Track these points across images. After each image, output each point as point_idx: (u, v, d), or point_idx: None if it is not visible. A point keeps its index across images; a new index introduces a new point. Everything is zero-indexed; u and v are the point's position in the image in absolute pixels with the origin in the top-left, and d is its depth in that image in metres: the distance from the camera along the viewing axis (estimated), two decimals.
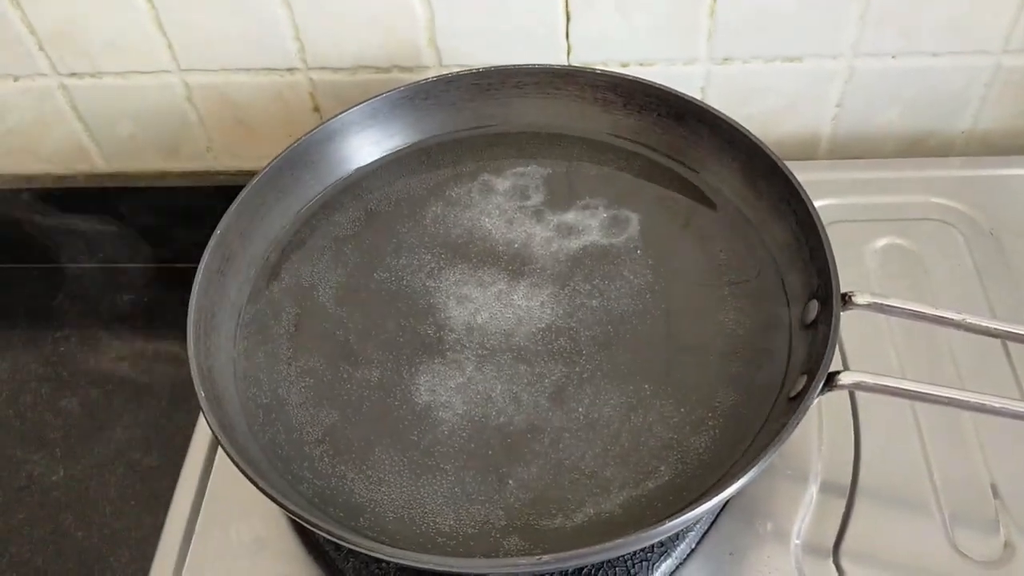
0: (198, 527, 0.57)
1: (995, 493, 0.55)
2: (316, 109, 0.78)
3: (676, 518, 0.42)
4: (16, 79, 0.77)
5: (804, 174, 0.59)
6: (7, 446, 0.73)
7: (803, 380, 0.50)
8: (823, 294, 0.52)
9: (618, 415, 0.52)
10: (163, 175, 0.84)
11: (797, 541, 0.54)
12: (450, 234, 0.62)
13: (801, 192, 0.57)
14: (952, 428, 0.58)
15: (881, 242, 0.69)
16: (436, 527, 0.48)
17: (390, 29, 0.72)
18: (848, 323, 0.60)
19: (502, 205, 0.64)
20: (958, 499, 0.55)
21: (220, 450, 0.59)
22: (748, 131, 0.61)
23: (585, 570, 0.51)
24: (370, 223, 0.63)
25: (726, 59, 0.74)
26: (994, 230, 0.70)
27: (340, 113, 0.64)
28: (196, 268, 0.54)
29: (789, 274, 0.57)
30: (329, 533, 0.44)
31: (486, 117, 0.68)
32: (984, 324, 0.51)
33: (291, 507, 0.45)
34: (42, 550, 0.67)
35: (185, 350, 0.50)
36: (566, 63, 0.74)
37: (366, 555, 0.47)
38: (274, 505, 0.45)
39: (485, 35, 0.73)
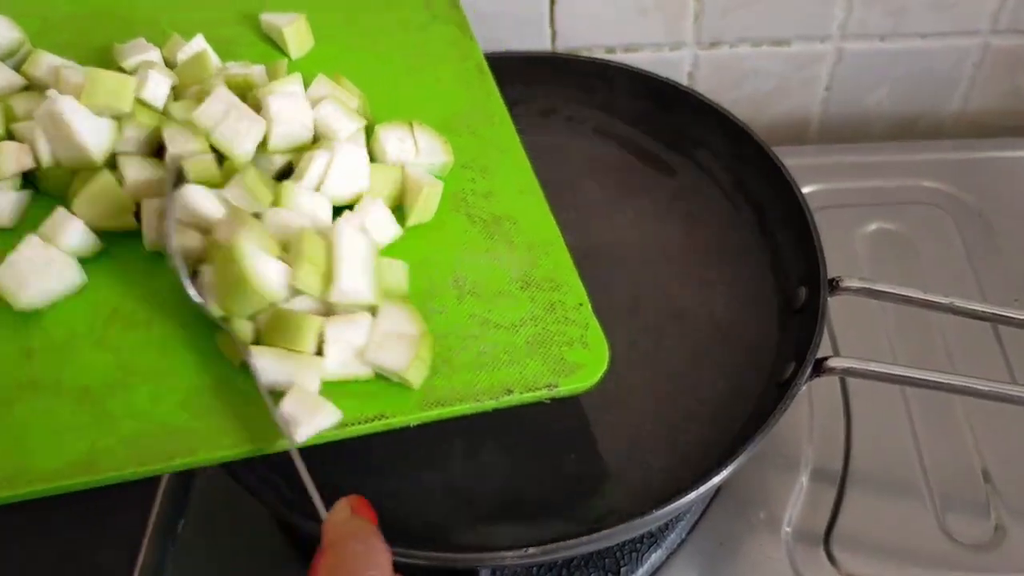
0: (183, 522, 0.56)
1: (986, 477, 0.55)
2: None
3: (662, 508, 0.42)
4: None
5: (793, 159, 0.59)
6: None
7: (792, 366, 0.49)
8: (811, 279, 0.52)
9: (606, 404, 0.52)
10: None
11: (788, 529, 0.53)
12: None
13: (788, 177, 0.56)
14: (943, 413, 0.58)
15: (871, 227, 0.69)
16: (424, 520, 0.48)
17: None
18: (839, 308, 0.60)
19: None
20: (949, 484, 0.55)
21: None
22: (735, 116, 0.60)
23: (574, 561, 0.51)
24: None
25: (713, 43, 0.73)
26: (984, 212, 0.69)
27: None
28: None
29: (778, 260, 0.57)
30: (314, 531, 0.44)
31: None
32: (973, 307, 0.51)
33: (275, 503, 0.44)
34: (28, 547, 0.67)
35: None
36: (551, 49, 0.74)
37: None
38: (257, 501, 0.44)
39: (470, 21, 0.72)
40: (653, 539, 0.52)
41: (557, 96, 0.67)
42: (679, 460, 0.50)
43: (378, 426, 0.41)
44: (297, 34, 0.55)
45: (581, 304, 0.45)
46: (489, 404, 0.42)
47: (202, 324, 0.43)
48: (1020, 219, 0.69)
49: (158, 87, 0.48)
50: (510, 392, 0.42)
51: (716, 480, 0.44)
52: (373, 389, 0.42)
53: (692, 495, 0.43)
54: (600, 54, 0.73)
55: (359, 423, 0.41)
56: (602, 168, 0.64)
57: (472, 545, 0.47)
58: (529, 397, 0.42)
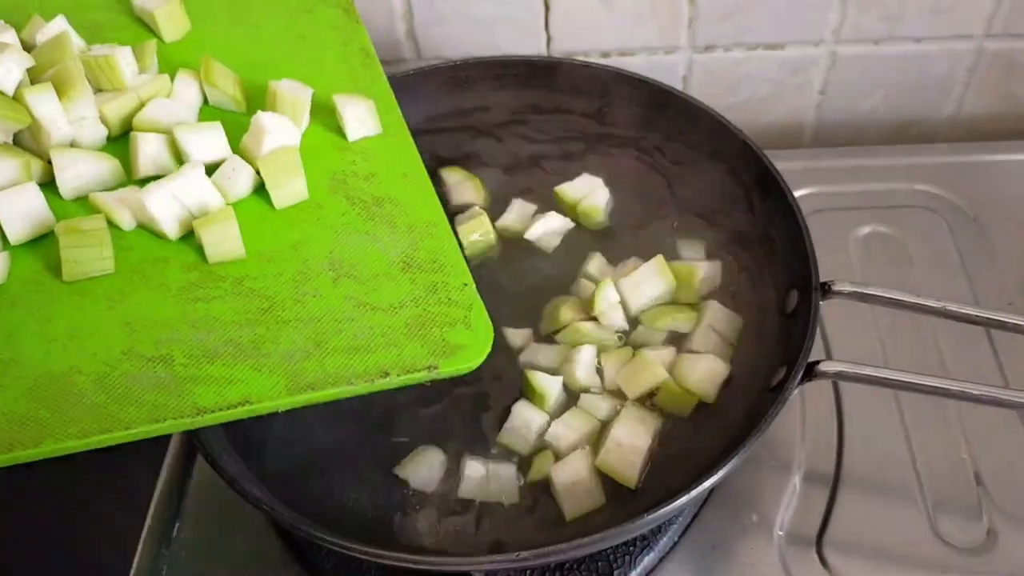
0: (178, 526, 0.56)
1: (978, 480, 0.55)
2: None
3: (654, 512, 0.42)
4: None
5: (787, 163, 0.59)
6: None
7: (783, 370, 0.49)
8: (803, 283, 0.52)
9: None
10: None
11: (780, 532, 0.53)
12: None
13: (780, 180, 0.56)
14: (935, 416, 0.58)
15: (865, 230, 0.69)
16: (415, 525, 0.48)
17: (367, 21, 0.71)
18: (832, 312, 0.60)
19: (482, 196, 0.63)
20: (941, 487, 0.55)
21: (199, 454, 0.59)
22: (727, 120, 0.60)
23: (567, 565, 0.51)
24: None
25: (708, 47, 0.74)
26: (978, 216, 0.70)
27: None
28: None
29: (770, 263, 0.57)
30: (309, 535, 0.44)
31: (465, 110, 0.67)
32: (965, 311, 0.51)
33: (271, 509, 0.44)
34: (27, 550, 0.67)
35: None
36: (546, 54, 0.74)
37: (346, 554, 0.47)
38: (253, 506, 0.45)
39: (464, 26, 0.72)
40: (646, 542, 0.52)
41: (551, 100, 0.67)
42: (672, 463, 0.50)
43: (242, 412, 0.40)
44: (170, 17, 0.54)
45: (465, 284, 0.44)
46: (363, 388, 0.40)
47: (53, 312, 0.43)
48: (1013, 223, 0.69)
49: (9, 74, 0.46)
50: (386, 375, 0.41)
51: (708, 484, 0.44)
52: (234, 373, 0.41)
53: (684, 499, 0.43)
54: (595, 58, 0.74)
55: (220, 409, 0.39)
56: (592, 172, 0.64)
57: (463, 549, 0.47)
58: (407, 379, 0.41)
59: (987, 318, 0.51)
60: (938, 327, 0.61)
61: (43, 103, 0.46)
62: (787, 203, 0.55)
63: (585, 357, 0.53)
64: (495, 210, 0.62)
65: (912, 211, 0.70)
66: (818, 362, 0.48)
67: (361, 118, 0.51)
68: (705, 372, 0.52)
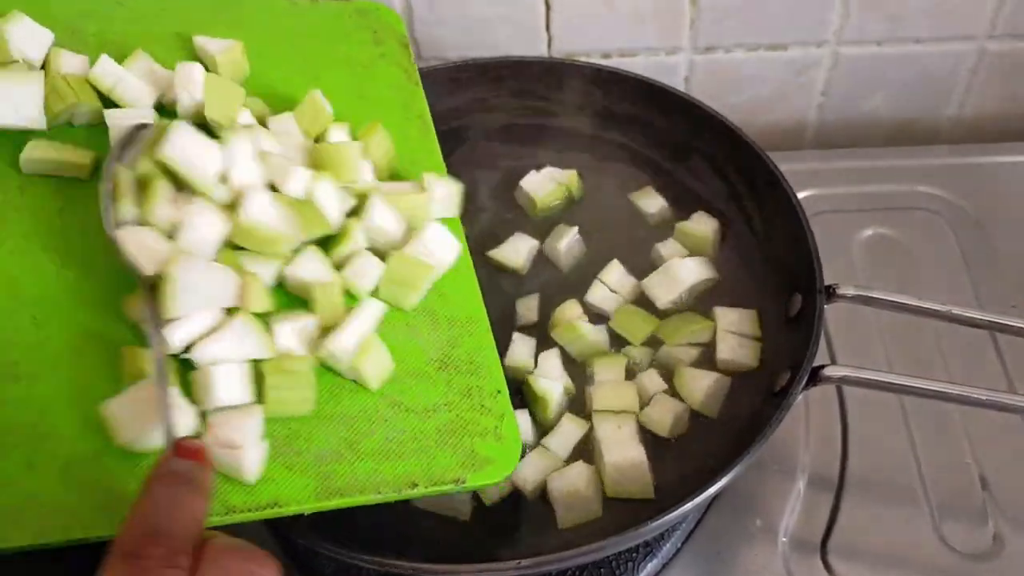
0: None
1: (983, 485, 0.55)
2: None
3: (657, 519, 0.42)
4: None
5: (789, 164, 0.58)
6: None
7: (787, 375, 0.49)
8: (806, 287, 0.51)
9: None
10: None
11: (784, 538, 0.53)
12: None
13: (783, 182, 0.56)
14: (940, 420, 0.58)
15: (867, 232, 0.69)
16: (416, 530, 0.48)
17: None
18: (835, 315, 0.59)
19: (483, 198, 0.63)
20: (946, 491, 0.55)
21: None
22: (730, 121, 0.60)
23: (569, 572, 0.51)
24: None
25: (709, 48, 0.73)
26: (981, 219, 0.69)
27: None
28: None
29: (773, 266, 0.56)
30: (308, 541, 0.43)
31: (465, 110, 0.67)
32: (970, 315, 0.51)
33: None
34: (17, 557, 0.66)
35: None
36: (547, 55, 0.73)
37: (345, 561, 0.46)
38: None
39: (464, 27, 0.71)
40: (648, 549, 0.51)
41: (552, 101, 0.66)
42: (675, 469, 0.49)
43: (269, 513, 0.38)
44: (231, 63, 0.51)
45: (499, 391, 0.43)
46: (391, 496, 0.39)
47: (93, 384, 0.39)
48: (1017, 225, 0.69)
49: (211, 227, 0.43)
50: (415, 486, 0.40)
51: (712, 490, 0.43)
52: (267, 471, 0.39)
53: (688, 505, 0.43)
54: (596, 59, 0.73)
55: (249, 510, 0.38)
56: (592, 174, 0.64)
57: (464, 557, 0.46)
58: (434, 491, 0.40)
59: (991, 321, 0.51)
60: (942, 331, 0.61)
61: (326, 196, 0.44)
62: (790, 205, 0.54)
63: (552, 364, 0.52)
64: (480, 230, 0.61)
65: (915, 213, 0.70)
66: (822, 367, 0.48)
67: (446, 201, 0.49)
68: (706, 388, 0.51)
